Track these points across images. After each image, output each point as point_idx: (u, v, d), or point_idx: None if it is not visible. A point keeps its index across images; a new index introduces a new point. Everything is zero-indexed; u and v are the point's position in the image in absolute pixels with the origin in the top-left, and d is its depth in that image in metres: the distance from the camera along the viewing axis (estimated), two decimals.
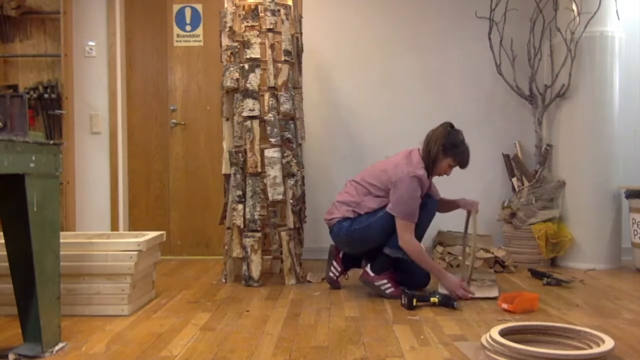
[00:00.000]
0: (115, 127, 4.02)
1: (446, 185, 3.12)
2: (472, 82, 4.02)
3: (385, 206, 2.75)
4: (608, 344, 1.78)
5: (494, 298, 2.72)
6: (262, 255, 3.11)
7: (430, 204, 2.79)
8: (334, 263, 3.01)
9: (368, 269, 2.84)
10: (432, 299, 2.58)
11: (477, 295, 2.73)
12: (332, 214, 2.90)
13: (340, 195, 2.94)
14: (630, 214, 3.58)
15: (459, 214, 2.98)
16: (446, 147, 2.75)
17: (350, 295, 2.87)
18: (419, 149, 2.83)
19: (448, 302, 2.57)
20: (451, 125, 2.82)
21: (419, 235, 2.78)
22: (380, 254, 2.80)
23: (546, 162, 3.80)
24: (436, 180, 2.94)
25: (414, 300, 2.55)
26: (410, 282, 2.88)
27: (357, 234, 2.78)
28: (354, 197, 2.84)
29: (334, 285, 3.01)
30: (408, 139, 3.91)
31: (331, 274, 3.01)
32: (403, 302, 2.58)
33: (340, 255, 3.01)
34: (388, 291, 2.77)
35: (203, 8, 4.08)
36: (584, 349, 1.85)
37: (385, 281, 2.79)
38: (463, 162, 2.81)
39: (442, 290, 2.76)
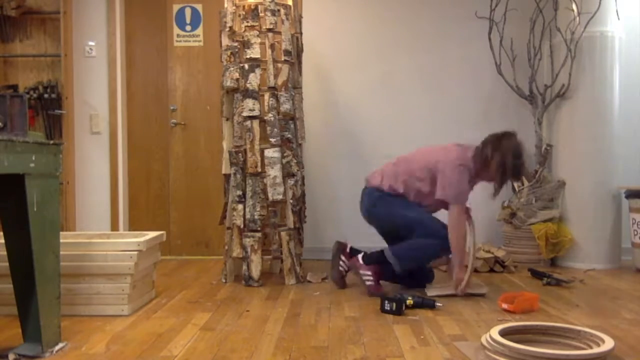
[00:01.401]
0: (115, 127, 4.02)
1: None
2: (472, 82, 4.02)
3: (417, 204, 2.76)
4: (608, 344, 1.78)
5: (482, 295, 2.77)
6: (262, 255, 3.11)
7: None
8: (343, 257, 2.96)
9: (360, 256, 2.85)
10: (408, 301, 2.51)
11: (467, 290, 2.78)
12: (374, 177, 2.89)
13: (389, 168, 2.89)
14: (630, 214, 3.58)
15: None
16: (506, 161, 2.67)
17: (350, 295, 2.87)
18: (473, 148, 2.79)
19: (426, 303, 2.54)
20: (515, 136, 2.75)
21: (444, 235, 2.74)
22: (379, 251, 2.80)
23: (546, 162, 3.80)
24: None
25: (403, 305, 2.47)
26: (410, 282, 2.88)
27: (375, 214, 2.81)
28: (397, 171, 2.82)
29: (340, 283, 2.97)
30: (408, 138, 3.95)
31: (340, 269, 2.96)
32: (387, 307, 2.48)
33: (348, 249, 2.99)
34: (367, 283, 2.80)
35: (203, 8, 4.08)
36: (584, 349, 1.85)
37: (369, 273, 2.81)
38: (517, 176, 2.83)
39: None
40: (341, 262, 2.98)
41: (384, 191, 2.82)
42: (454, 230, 2.69)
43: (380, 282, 2.87)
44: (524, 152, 2.74)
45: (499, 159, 2.67)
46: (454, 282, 2.77)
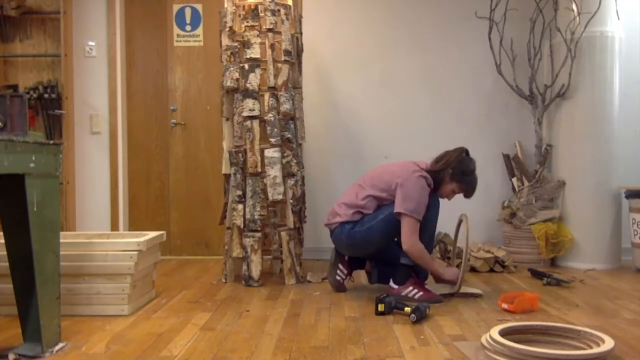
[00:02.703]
0: (115, 127, 4.02)
1: None
2: (472, 82, 4.02)
3: (385, 208, 2.72)
4: (608, 344, 1.78)
5: (479, 295, 2.78)
6: (262, 255, 3.11)
7: (434, 202, 2.75)
8: (340, 266, 2.95)
9: (391, 283, 2.79)
10: (406, 309, 2.43)
11: (462, 291, 2.78)
12: (334, 217, 2.85)
13: (342, 198, 2.90)
14: (630, 214, 3.58)
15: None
16: (455, 173, 2.75)
17: (350, 295, 2.87)
18: (426, 163, 2.82)
19: (420, 311, 2.40)
20: (466, 152, 2.82)
21: (429, 235, 2.75)
22: (399, 266, 2.75)
23: (546, 162, 3.80)
24: None
25: (380, 306, 2.47)
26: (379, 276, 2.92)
27: (358, 236, 2.74)
28: (356, 200, 2.79)
29: (340, 288, 2.95)
30: (408, 139, 3.95)
31: (338, 277, 2.94)
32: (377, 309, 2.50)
33: (346, 258, 2.98)
34: (416, 296, 2.71)
35: (203, 8, 4.08)
36: (584, 349, 1.85)
37: (410, 288, 2.73)
38: (468, 192, 2.81)
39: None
40: (339, 272, 2.96)
41: (352, 221, 2.76)
42: (414, 247, 2.63)
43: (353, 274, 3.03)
44: (474, 168, 2.81)
45: (451, 174, 2.75)
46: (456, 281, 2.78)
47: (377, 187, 2.76)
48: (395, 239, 2.81)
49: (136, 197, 4.14)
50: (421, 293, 2.72)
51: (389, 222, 2.69)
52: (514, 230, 3.72)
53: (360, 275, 3.21)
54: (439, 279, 2.87)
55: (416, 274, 2.79)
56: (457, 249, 3.19)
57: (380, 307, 2.46)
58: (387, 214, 2.70)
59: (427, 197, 2.69)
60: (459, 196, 2.89)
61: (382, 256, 2.88)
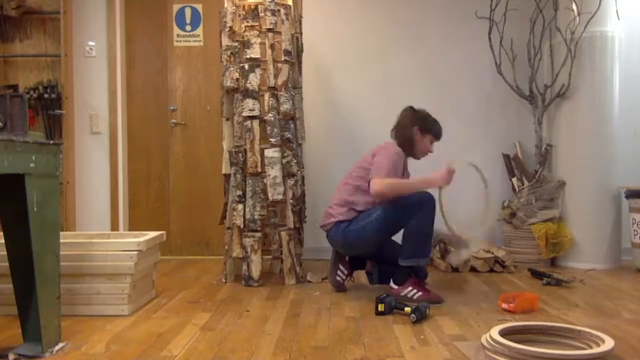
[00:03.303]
0: (115, 127, 4.02)
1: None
2: (472, 82, 4.02)
3: (380, 207, 2.72)
4: (608, 344, 1.78)
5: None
6: (262, 255, 3.11)
7: (428, 202, 2.69)
8: (341, 266, 2.96)
9: (391, 283, 2.79)
10: (406, 309, 2.41)
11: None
12: (328, 218, 2.86)
13: (332, 200, 2.91)
14: (630, 214, 3.58)
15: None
16: (422, 126, 2.90)
17: (351, 295, 2.87)
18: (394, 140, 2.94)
19: (420, 311, 2.38)
20: (412, 107, 2.98)
21: (426, 236, 2.70)
22: (398, 267, 2.75)
23: (546, 162, 3.80)
24: None
25: (380, 306, 2.47)
26: (380, 276, 2.93)
27: (353, 235, 2.75)
28: (346, 196, 2.81)
29: (340, 288, 2.96)
30: None
31: (338, 278, 2.95)
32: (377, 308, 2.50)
33: (347, 258, 2.99)
34: (415, 296, 2.70)
35: (203, 8, 4.08)
36: (584, 349, 1.85)
37: (410, 288, 2.73)
38: (439, 135, 2.94)
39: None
40: (339, 272, 2.97)
41: (346, 219, 2.78)
42: (379, 186, 2.64)
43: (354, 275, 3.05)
44: (427, 113, 2.97)
45: (420, 128, 2.89)
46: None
47: (356, 175, 2.83)
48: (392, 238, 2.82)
49: (136, 197, 4.14)
50: (421, 293, 2.71)
51: (383, 220, 2.70)
52: (514, 230, 3.72)
53: (361, 275, 3.21)
54: (429, 184, 2.79)
55: (416, 274, 2.79)
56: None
57: (380, 307, 2.46)
58: (381, 213, 2.71)
59: (401, 163, 2.80)
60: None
61: (382, 256, 2.88)
